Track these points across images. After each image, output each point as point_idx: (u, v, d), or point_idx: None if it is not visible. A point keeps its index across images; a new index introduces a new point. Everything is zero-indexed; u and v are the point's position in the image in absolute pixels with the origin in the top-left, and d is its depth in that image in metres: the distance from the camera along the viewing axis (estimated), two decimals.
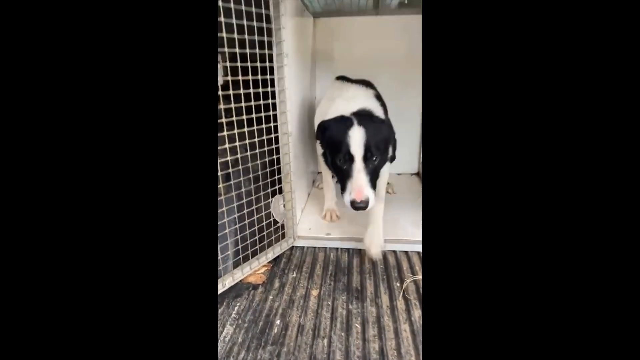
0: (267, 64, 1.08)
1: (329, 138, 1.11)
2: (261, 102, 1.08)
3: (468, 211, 0.44)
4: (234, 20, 0.91)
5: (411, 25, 1.76)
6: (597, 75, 0.40)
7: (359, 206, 0.99)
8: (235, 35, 0.93)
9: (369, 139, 1.03)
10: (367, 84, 1.46)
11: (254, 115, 1.08)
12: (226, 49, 0.92)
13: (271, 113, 1.14)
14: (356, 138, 1.03)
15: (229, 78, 0.99)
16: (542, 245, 0.42)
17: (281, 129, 1.20)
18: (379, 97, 1.37)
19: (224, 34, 0.90)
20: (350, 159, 1.04)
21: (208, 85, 0.48)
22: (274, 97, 1.14)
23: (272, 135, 1.18)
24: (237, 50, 0.97)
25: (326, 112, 1.26)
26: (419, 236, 1.34)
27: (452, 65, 0.44)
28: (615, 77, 0.40)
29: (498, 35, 0.42)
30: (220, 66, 1.04)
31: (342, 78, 1.52)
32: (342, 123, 1.08)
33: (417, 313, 1.00)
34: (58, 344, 0.41)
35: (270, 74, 1.10)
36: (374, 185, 1.06)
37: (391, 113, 1.37)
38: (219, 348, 0.90)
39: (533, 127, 0.42)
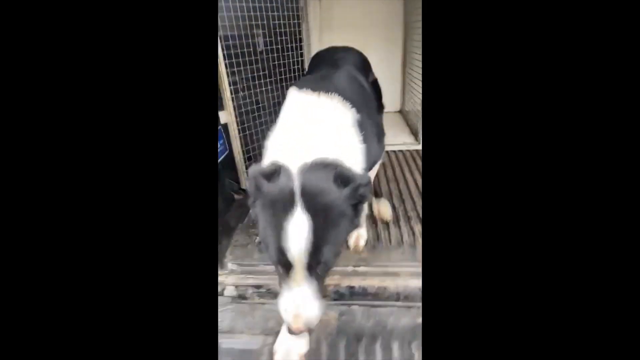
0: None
1: (259, 212, 0.68)
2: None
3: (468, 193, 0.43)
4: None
5: None
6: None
7: (293, 333, 0.66)
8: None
9: (317, 236, 0.61)
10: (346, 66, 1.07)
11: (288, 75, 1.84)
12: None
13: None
14: (297, 234, 0.61)
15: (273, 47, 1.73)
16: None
17: None
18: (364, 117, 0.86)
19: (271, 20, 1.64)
20: (287, 265, 0.64)
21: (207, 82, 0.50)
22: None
23: None
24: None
25: (278, 138, 0.79)
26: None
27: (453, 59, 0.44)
28: (614, 77, 0.39)
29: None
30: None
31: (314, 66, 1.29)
32: (280, 196, 0.64)
33: None
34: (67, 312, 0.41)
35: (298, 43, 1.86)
36: (321, 287, 0.67)
37: (379, 58, 1.86)
38: None
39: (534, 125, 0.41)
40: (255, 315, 0.99)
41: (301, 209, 0.60)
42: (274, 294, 1.00)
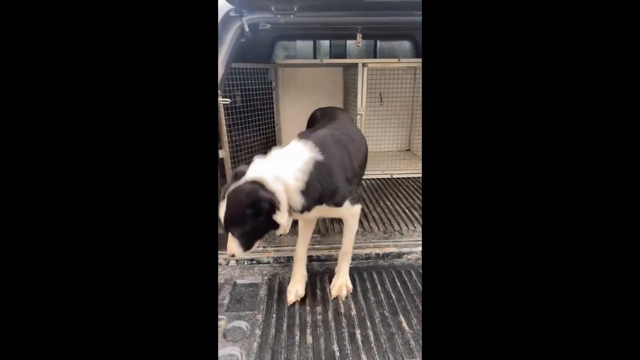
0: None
1: None
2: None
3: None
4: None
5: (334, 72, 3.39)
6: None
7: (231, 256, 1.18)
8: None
9: (228, 216, 1.13)
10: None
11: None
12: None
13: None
14: (221, 213, 1.13)
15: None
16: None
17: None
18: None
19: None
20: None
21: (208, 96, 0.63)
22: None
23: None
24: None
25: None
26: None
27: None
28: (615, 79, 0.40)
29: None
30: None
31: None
32: (223, 192, 1.19)
33: None
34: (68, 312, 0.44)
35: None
36: (246, 242, 1.17)
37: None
38: None
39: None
40: (254, 269, 1.69)
41: (224, 201, 1.14)
42: (257, 261, 1.74)
